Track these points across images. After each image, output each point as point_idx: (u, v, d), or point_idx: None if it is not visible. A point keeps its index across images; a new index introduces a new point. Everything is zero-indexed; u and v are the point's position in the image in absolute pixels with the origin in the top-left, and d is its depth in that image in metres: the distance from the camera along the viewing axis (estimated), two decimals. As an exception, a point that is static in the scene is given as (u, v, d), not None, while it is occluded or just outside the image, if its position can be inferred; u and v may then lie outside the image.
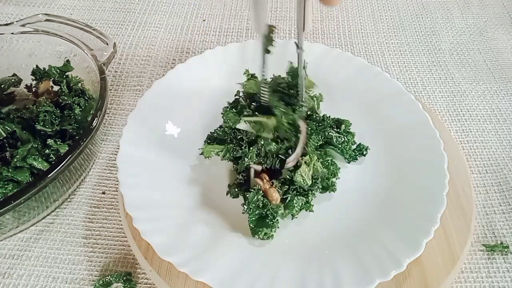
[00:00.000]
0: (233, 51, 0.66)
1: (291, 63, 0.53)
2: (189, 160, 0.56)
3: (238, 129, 0.52)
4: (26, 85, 0.62)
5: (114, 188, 0.57)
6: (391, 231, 0.47)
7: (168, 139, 0.57)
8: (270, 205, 0.48)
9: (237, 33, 0.82)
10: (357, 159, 0.56)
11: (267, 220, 0.48)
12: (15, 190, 0.46)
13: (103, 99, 0.52)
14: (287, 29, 0.83)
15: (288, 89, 0.52)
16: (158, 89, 0.59)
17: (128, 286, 0.48)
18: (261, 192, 0.48)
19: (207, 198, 0.52)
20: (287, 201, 0.49)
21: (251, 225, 0.48)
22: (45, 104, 0.54)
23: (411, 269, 0.46)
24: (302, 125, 0.50)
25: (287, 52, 0.63)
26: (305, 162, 0.50)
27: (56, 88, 0.60)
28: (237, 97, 0.56)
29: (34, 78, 0.61)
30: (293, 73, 0.52)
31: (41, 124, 0.53)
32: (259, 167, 0.51)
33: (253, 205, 0.48)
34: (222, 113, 0.54)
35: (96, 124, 0.50)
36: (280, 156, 0.51)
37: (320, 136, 0.54)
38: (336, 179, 0.53)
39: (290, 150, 0.50)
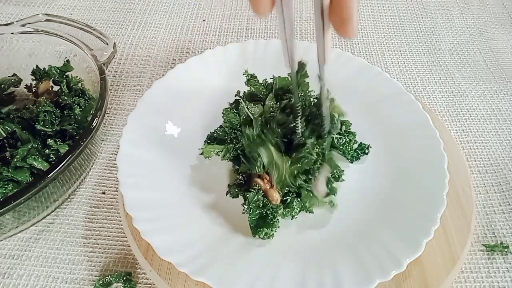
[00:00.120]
0: (233, 51, 0.66)
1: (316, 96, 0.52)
2: (189, 160, 0.56)
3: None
4: (26, 85, 0.62)
5: (114, 188, 0.58)
6: (391, 231, 0.47)
7: (168, 139, 0.57)
8: (270, 204, 0.48)
9: (237, 33, 0.82)
10: (359, 159, 0.56)
11: (268, 220, 0.48)
12: (15, 190, 0.46)
13: (103, 99, 0.52)
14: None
15: (315, 119, 0.51)
16: (158, 89, 0.59)
17: (128, 286, 0.48)
18: (261, 192, 0.48)
19: (207, 198, 0.52)
20: (287, 202, 0.49)
21: (251, 225, 0.48)
22: (45, 104, 0.54)
23: (411, 269, 0.46)
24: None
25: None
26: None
27: (56, 88, 0.60)
28: (237, 97, 0.56)
29: (34, 78, 0.61)
30: (319, 104, 0.51)
31: (41, 124, 0.53)
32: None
33: (253, 205, 0.48)
34: (222, 113, 0.54)
35: (96, 124, 0.50)
36: None
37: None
38: (341, 181, 0.53)
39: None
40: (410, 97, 0.59)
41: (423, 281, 0.46)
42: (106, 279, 0.48)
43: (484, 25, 0.84)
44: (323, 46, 0.39)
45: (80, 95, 0.58)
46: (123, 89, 0.71)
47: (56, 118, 0.54)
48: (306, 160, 0.48)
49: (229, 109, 0.55)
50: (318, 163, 0.49)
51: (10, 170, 0.49)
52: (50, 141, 0.51)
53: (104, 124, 0.65)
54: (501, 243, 0.52)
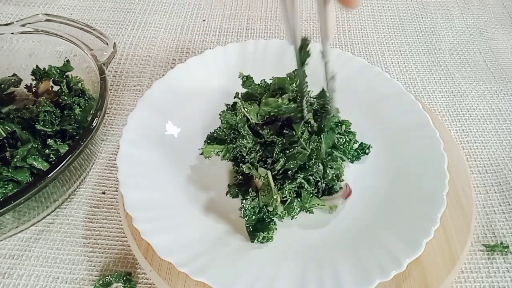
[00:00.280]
0: (233, 51, 0.66)
1: (323, 89, 0.52)
2: (189, 160, 0.56)
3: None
4: (26, 85, 0.62)
5: (114, 188, 0.58)
6: (391, 231, 0.47)
7: (168, 139, 0.57)
8: (266, 208, 0.49)
9: (237, 33, 0.82)
10: (360, 158, 0.56)
11: (264, 224, 0.48)
12: (15, 190, 0.46)
13: (103, 99, 0.52)
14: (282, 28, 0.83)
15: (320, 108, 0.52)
16: (158, 89, 0.59)
17: (128, 286, 0.48)
18: (256, 200, 0.49)
19: (207, 198, 0.52)
20: (287, 202, 0.49)
21: (249, 231, 0.48)
22: (45, 104, 0.54)
23: (411, 269, 0.46)
24: None
25: (286, 53, 0.64)
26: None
27: (56, 88, 0.60)
28: (236, 99, 0.56)
29: (34, 78, 0.61)
30: (323, 95, 0.52)
31: (41, 124, 0.53)
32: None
33: (249, 211, 0.48)
34: (219, 115, 0.54)
35: (96, 124, 0.50)
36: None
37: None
38: (341, 181, 0.53)
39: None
40: (410, 97, 0.59)
41: (423, 281, 0.46)
42: (106, 279, 0.48)
43: (484, 25, 0.84)
44: (325, 21, 0.39)
45: (80, 95, 0.58)
46: (123, 89, 0.71)
47: (56, 118, 0.54)
48: (301, 155, 0.48)
49: (226, 110, 0.55)
50: (313, 159, 0.49)
51: (10, 170, 0.49)
52: (50, 141, 0.51)
53: (104, 124, 0.65)
54: (501, 243, 0.52)
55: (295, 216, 0.50)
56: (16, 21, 0.62)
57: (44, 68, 0.61)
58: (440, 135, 0.54)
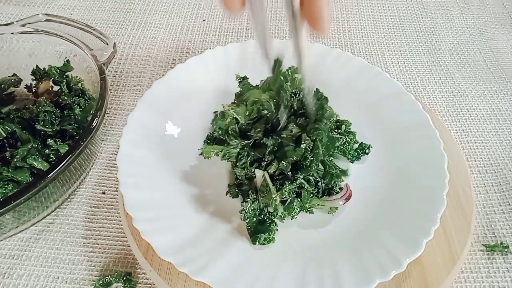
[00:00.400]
0: (233, 51, 0.65)
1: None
2: (189, 160, 0.56)
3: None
4: (26, 85, 0.62)
5: (114, 188, 0.58)
6: (391, 231, 0.47)
7: (168, 139, 0.57)
8: (266, 209, 0.49)
9: (237, 33, 0.82)
10: (360, 158, 0.56)
11: (265, 225, 0.48)
12: (15, 190, 0.46)
13: (103, 99, 0.52)
14: (287, 29, 0.83)
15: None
16: (158, 89, 0.59)
17: (128, 286, 0.48)
18: (256, 202, 0.49)
19: (207, 198, 0.52)
20: (287, 202, 0.49)
21: (250, 233, 0.48)
22: (45, 104, 0.54)
23: (411, 269, 0.46)
24: None
25: (285, 53, 0.64)
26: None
27: (56, 88, 0.60)
28: (234, 101, 0.56)
29: (34, 78, 0.61)
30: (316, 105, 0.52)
31: (41, 124, 0.53)
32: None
33: (249, 214, 0.48)
34: (211, 123, 0.54)
35: (96, 124, 0.50)
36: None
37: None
38: (340, 181, 0.53)
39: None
40: (410, 97, 0.59)
41: (423, 281, 0.46)
42: (106, 279, 0.48)
43: (484, 25, 0.84)
44: (298, 45, 0.39)
45: (80, 95, 0.58)
46: (123, 89, 0.71)
47: (56, 118, 0.54)
48: (289, 151, 0.49)
49: (216, 116, 0.55)
50: (310, 158, 0.49)
51: (10, 170, 0.49)
52: (50, 141, 0.51)
53: (104, 124, 0.65)
54: (501, 243, 0.52)
55: (295, 216, 0.50)
56: (16, 21, 0.62)
57: (44, 68, 0.61)
58: (440, 135, 0.54)
